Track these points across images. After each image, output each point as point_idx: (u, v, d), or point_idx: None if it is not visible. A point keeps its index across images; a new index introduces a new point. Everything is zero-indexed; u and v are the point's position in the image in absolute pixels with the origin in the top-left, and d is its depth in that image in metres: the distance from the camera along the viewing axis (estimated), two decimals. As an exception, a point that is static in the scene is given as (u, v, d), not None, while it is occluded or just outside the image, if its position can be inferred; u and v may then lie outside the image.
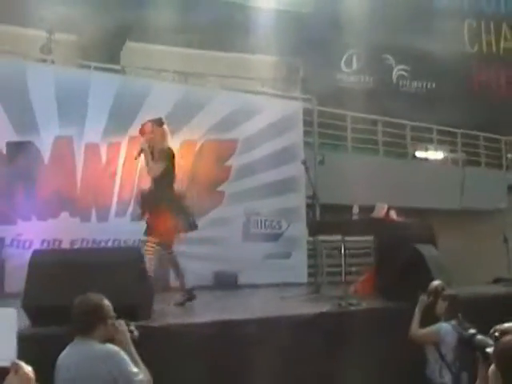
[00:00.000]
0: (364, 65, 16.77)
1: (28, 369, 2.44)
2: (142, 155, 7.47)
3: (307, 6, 15.46)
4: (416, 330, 5.94)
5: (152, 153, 7.41)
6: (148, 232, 7.22)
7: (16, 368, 2.37)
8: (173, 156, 7.44)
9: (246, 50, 14.78)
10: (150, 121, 7.66)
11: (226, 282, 9.80)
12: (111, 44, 13.45)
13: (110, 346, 3.80)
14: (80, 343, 3.83)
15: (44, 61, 11.11)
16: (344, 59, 16.74)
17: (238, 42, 14.24)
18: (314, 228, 9.82)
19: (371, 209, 9.03)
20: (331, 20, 14.91)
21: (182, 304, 7.17)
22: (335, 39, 15.25)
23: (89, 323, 3.85)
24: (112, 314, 3.97)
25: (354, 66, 16.82)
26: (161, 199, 7.25)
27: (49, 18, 11.70)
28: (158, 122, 7.57)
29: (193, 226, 7.52)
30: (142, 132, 7.67)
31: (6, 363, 2.33)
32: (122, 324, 3.96)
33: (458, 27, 17.97)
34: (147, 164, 7.48)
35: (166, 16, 12.94)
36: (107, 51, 13.19)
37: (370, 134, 14.30)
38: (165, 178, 7.32)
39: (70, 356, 3.82)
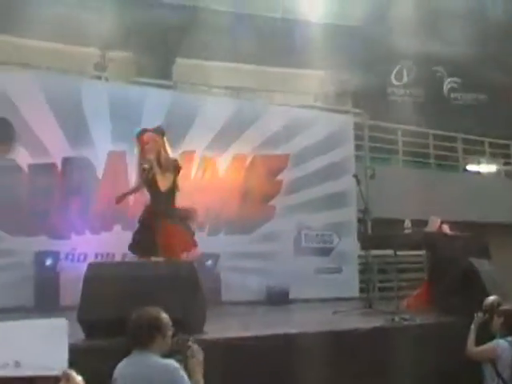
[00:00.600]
0: (414, 77, 16.67)
1: (79, 378, 2.46)
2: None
3: (357, 20, 15.43)
4: (472, 347, 5.86)
5: (158, 164, 6.95)
6: (146, 250, 6.81)
7: (67, 377, 2.39)
8: (180, 169, 7.14)
9: (297, 65, 14.82)
10: (149, 130, 7.20)
11: (277, 297, 9.78)
12: (163, 60, 13.65)
13: (169, 361, 3.80)
14: (138, 356, 3.85)
15: (98, 78, 11.31)
16: (394, 72, 16.66)
17: (290, 56, 14.28)
18: (366, 242, 9.78)
19: (423, 223, 8.96)
20: (381, 33, 14.87)
21: None
22: (385, 53, 15.21)
23: (147, 336, 3.87)
24: (170, 327, 3.99)
25: (405, 78, 16.73)
26: (170, 214, 6.95)
27: (102, 35, 11.91)
28: (160, 131, 7.16)
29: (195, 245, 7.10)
30: (142, 141, 7.15)
31: (57, 372, 2.35)
32: (199, 352, 3.96)
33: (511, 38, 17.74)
34: (154, 176, 6.92)
35: (216, 31, 13.07)
36: (159, 67, 13.38)
37: (421, 147, 14.16)
38: (172, 192, 7.02)
39: (127, 367, 3.84)
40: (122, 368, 3.85)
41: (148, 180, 6.99)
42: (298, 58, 14.20)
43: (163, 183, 6.94)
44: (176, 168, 7.05)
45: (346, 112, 12.94)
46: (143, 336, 3.87)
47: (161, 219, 6.89)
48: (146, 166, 6.94)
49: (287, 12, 14.65)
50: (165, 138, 7.11)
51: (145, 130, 7.19)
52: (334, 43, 14.38)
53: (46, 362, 2.32)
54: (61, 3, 11.80)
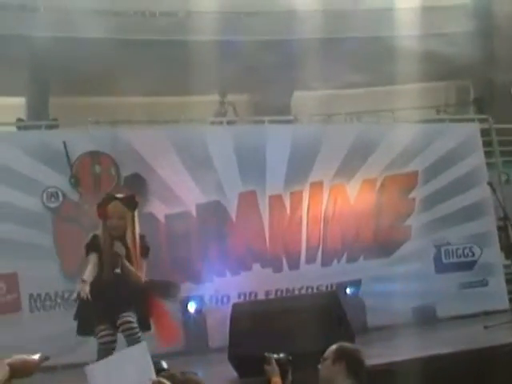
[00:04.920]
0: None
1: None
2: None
3: (464, 26, 15.09)
4: None
5: (124, 245, 5.65)
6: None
7: (158, 381, 2.66)
8: (148, 250, 5.90)
9: (413, 80, 14.63)
10: (117, 197, 5.79)
11: (424, 317, 9.59)
12: (280, 97, 13.84)
13: None
14: None
15: (220, 123, 11.64)
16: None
17: (404, 72, 14.12)
18: (510, 251, 9.47)
19: None
20: (496, 36, 14.49)
21: None
22: (504, 53, 14.76)
23: None
24: None
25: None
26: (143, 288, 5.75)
27: (218, 82, 12.28)
28: (131, 202, 5.77)
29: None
30: (105, 212, 5.72)
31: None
32: None
33: None
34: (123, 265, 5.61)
35: (329, 61, 13.14)
36: (277, 103, 13.58)
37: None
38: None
39: None
40: None
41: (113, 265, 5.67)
42: (413, 72, 14.00)
43: (136, 276, 5.68)
44: (146, 250, 5.88)
45: (471, 120, 12.61)
46: None
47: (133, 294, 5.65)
48: (118, 251, 5.58)
49: (383, 30, 14.42)
50: (136, 212, 5.80)
51: (111, 198, 5.83)
52: (449, 51, 14.12)
53: (138, 382, 2.69)
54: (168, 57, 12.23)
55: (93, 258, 5.66)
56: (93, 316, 5.59)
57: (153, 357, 5.87)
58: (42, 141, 9.10)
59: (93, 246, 5.73)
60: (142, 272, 5.74)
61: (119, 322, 5.61)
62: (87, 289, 5.43)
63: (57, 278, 8.62)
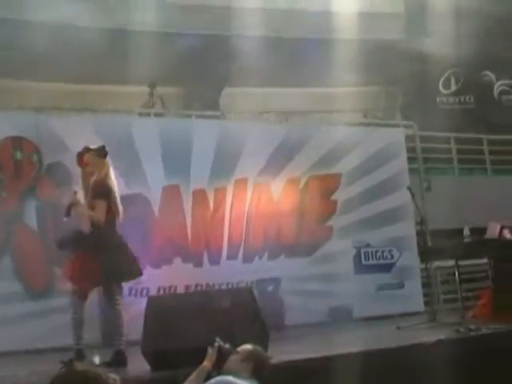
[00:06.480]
0: (463, 84, 16.49)
1: None
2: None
3: (398, 33, 15.39)
4: None
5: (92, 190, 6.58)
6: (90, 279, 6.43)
7: None
8: (110, 192, 6.71)
9: (344, 84, 14.83)
10: (90, 149, 6.77)
11: (341, 317, 9.73)
12: (210, 92, 13.84)
13: None
14: None
15: (147, 115, 11.54)
16: (442, 81, 16.53)
17: (336, 75, 14.30)
18: (426, 255, 9.70)
19: (483, 230, 8.85)
20: (424, 44, 14.81)
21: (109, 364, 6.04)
22: (431, 62, 15.11)
23: None
24: None
25: (453, 87, 16.58)
26: (114, 241, 6.76)
27: (149, 73, 12.17)
28: (101, 153, 6.74)
29: (137, 273, 6.92)
30: (80, 162, 6.85)
31: None
32: None
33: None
34: (85, 210, 6.55)
35: (261, 58, 13.19)
36: (207, 99, 13.57)
37: (476, 153, 13.98)
38: (109, 222, 6.72)
39: None
40: None
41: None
42: (345, 76, 14.19)
43: (96, 214, 6.56)
44: (107, 192, 6.66)
45: (396, 125, 12.87)
46: None
47: (104, 246, 6.57)
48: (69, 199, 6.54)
49: (317, 32, 14.58)
50: (107, 159, 6.77)
51: (87, 150, 6.78)
52: (380, 57, 14.37)
53: None
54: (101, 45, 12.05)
55: None
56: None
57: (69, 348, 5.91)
58: (-39, 124, 8.82)
59: None
60: (98, 212, 6.54)
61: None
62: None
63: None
